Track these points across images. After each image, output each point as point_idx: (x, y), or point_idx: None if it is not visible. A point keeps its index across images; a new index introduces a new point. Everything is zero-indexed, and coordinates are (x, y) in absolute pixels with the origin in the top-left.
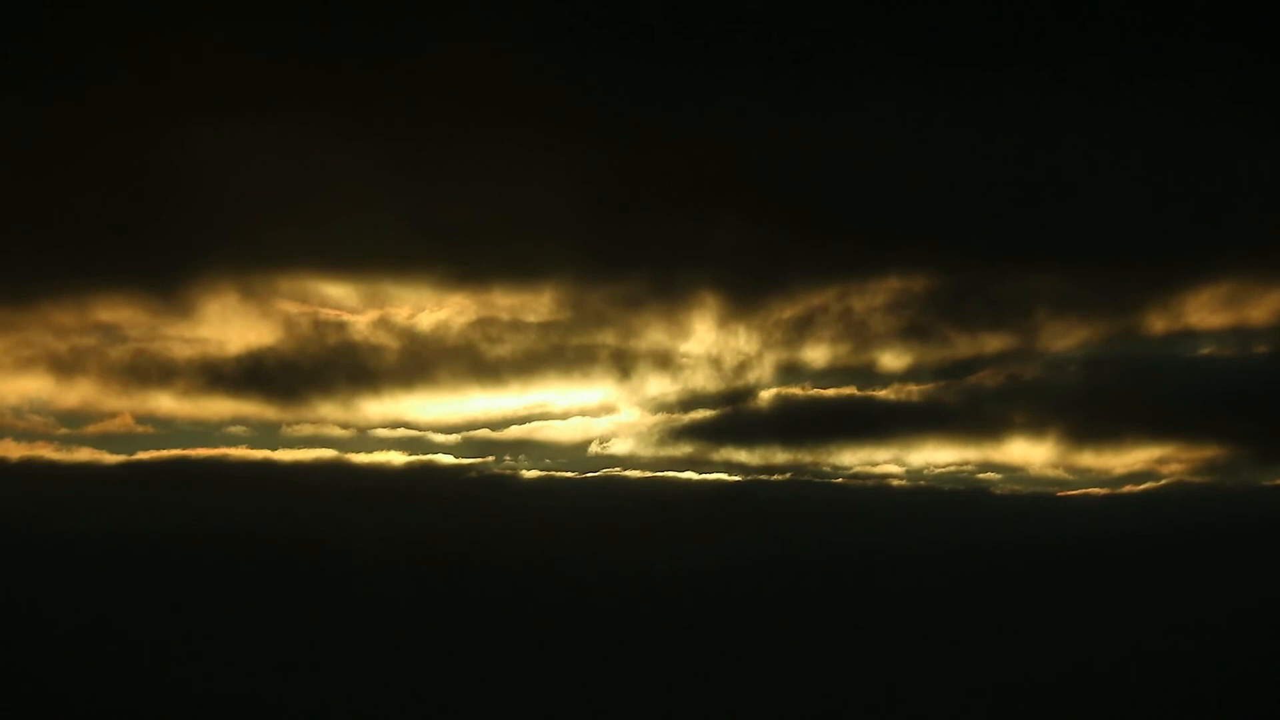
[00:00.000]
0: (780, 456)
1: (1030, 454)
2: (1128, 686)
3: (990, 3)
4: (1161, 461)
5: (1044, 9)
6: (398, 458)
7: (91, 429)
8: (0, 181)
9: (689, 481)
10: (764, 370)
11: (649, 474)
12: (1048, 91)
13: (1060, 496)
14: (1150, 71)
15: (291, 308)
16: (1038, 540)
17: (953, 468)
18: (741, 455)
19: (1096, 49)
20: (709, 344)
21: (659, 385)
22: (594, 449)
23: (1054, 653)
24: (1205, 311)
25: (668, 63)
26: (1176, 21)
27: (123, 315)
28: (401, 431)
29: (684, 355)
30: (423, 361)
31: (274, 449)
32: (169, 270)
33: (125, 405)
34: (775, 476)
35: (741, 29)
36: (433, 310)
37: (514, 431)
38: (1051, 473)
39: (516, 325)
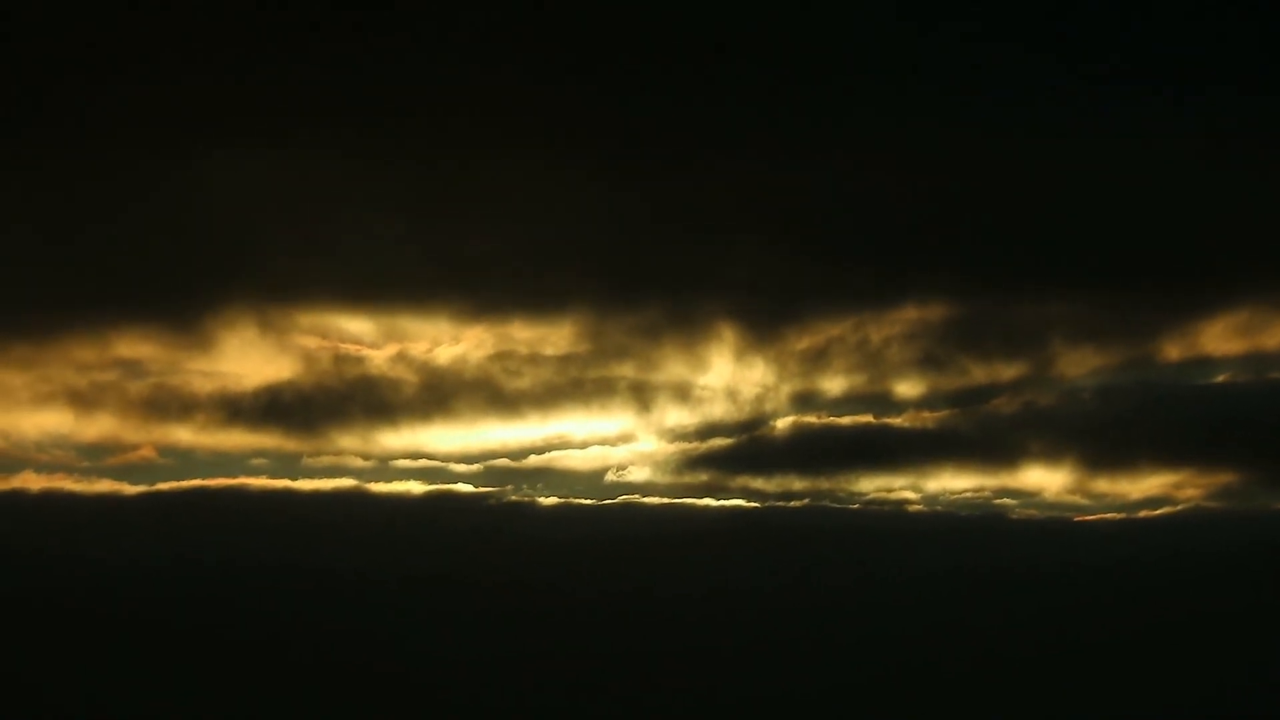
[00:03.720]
0: (797, 484)
1: (1046, 480)
2: (1144, 709)
3: (1008, 34)
4: (1177, 487)
5: (1061, 41)
6: (417, 487)
7: (112, 461)
8: (20, 218)
9: (707, 508)
10: (781, 399)
11: (667, 501)
12: (1064, 121)
13: (1077, 521)
14: (1166, 100)
15: (310, 342)
16: (1054, 564)
17: (969, 494)
18: (759, 483)
19: (1114, 79)
20: (726, 374)
21: (677, 415)
22: (610, 477)
23: (1070, 676)
24: (1220, 338)
25: (686, 93)
26: (1194, 51)
27: (142, 350)
28: (422, 462)
29: (701, 385)
30: (441, 394)
31: (294, 479)
32: (188, 305)
33: (145, 439)
34: (793, 503)
35: (759, 58)
36: (451, 344)
37: (532, 461)
38: (1068, 498)
39: (534, 358)
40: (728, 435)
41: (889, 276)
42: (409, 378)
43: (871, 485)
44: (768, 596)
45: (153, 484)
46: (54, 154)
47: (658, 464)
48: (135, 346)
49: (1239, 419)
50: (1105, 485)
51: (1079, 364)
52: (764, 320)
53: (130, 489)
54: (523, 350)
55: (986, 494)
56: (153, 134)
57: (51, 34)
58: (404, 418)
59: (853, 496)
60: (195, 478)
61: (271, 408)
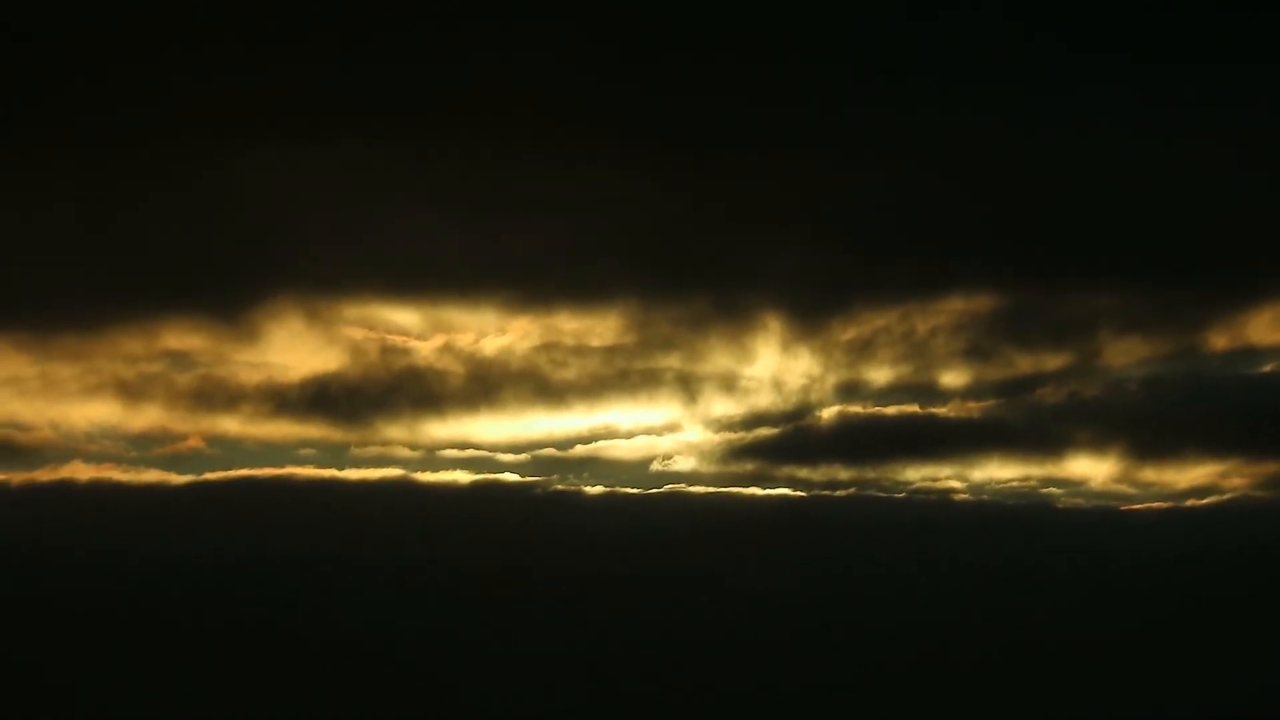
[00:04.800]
0: (843, 474)
1: (1092, 469)
2: (1192, 698)
3: (1047, 27)
4: (1224, 476)
5: (1100, 34)
6: (464, 477)
7: (159, 451)
8: (68, 211)
9: (753, 497)
10: (826, 389)
11: (713, 490)
12: (1113, 113)
13: (1123, 511)
14: (1211, 92)
15: (356, 333)
16: (1101, 554)
17: (1015, 483)
18: (804, 472)
19: (1157, 71)
20: (772, 365)
21: (722, 405)
22: (656, 467)
23: (1118, 666)
24: (1267, 328)
25: (732, 86)
26: (1234, 43)
27: (190, 342)
28: (469, 452)
29: (747, 376)
30: (488, 385)
31: (341, 469)
32: (235, 297)
33: (193, 429)
34: (838, 493)
35: (805, 51)
36: (497, 335)
37: (579, 451)
38: (1114, 488)
39: (580, 349)
40: (773, 425)
41: (935, 267)
42: (455, 369)
43: (917, 475)
44: (813, 586)
45: (200, 474)
46: (102, 147)
47: (703, 454)
48: (183, 338)
49: None
50: (1152, 474)
51: (1125, 354)
52: (810, 311)
53: (178, 479)
54: (569, 341)
55: (1032, 483)
56: (201, 127)
57: (98, 27)
58: (451, 408)
59: (898, 486)
60: (242, 468)
61: (318, 399)
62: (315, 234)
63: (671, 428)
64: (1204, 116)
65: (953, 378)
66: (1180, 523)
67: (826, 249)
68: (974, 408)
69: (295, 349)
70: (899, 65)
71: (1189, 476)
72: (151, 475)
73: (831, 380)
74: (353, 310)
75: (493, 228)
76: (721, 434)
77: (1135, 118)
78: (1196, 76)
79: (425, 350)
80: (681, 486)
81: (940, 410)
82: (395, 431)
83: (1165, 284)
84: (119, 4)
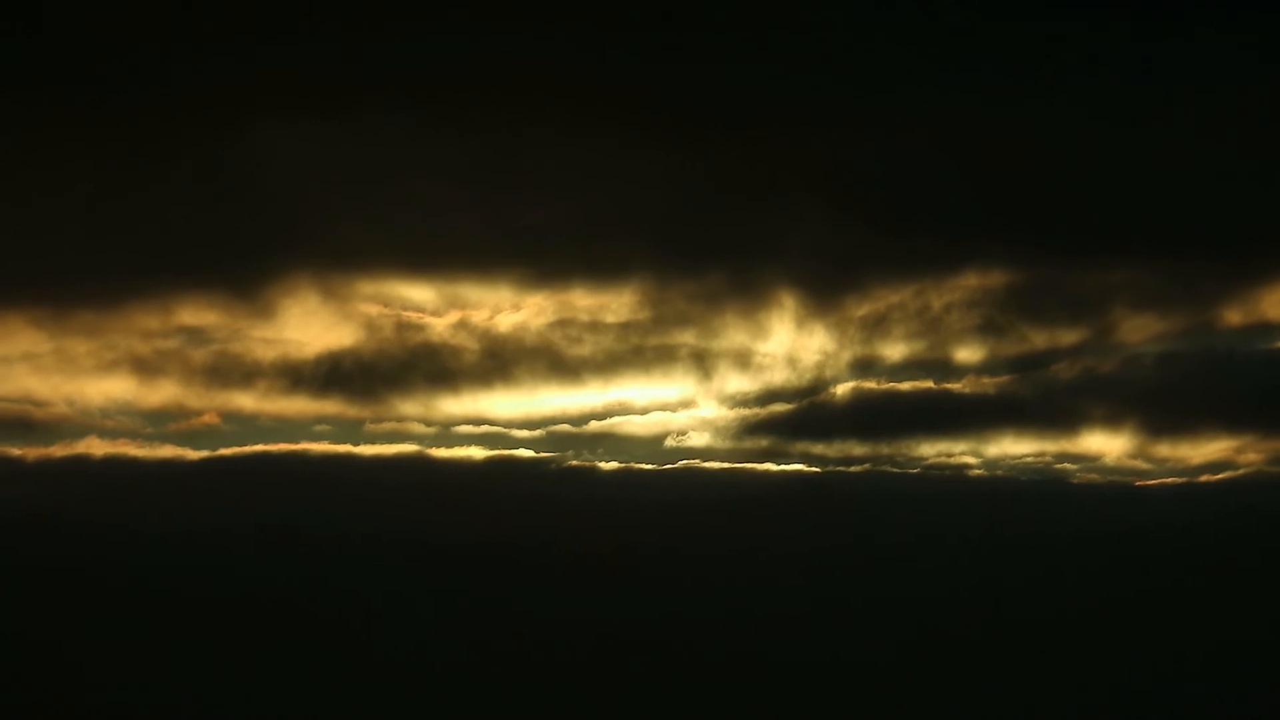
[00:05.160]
0: (858, 449)
1: (1107, 445)
2: (1206, 673)
3: (1064, 4)
4: (1238, 451)
5: (1118, 12)
6: (478, 453)
7: (175, 427)
8: (84, 187)
9: (767, 473)
10: (841, 365)
11: (727, 466)
12: (1122, 87)
13: (1138, 486)
14: (1225, 65)
15: (372, 309)
16: (1115, 528)
17: (1030, 459)
18: (819, 448)
19: (1170, 45)
20: (787, 341)
21: (737, 381)
22: (671, 442)
23: (1131, 638)
24: None
25: (744, 61)
26: (1248, 17)
27: (205, 317)
28: (483, 428)
29: (762, 352)
30: (503, 361)
31: (356, 445)
32: (250, 273)
33: (208, 405)
34: (853, 468)
35: (822, 25)
36: (512, 311)
37: (593, 427)
38: (1129, 463)
39: (595, 325)
40: (788, 401)
41: (950, 243)
42: (470, 345)
43: (932, 450)
44: (828, 560)
45: (215, 449)
46: (118, 123)
47: (718, 429)
48: (198, 314)
49: None
50: (1166, 450)
51: (1140, 330)
52: (825, 287)
53: (193, 454)
54: (584, 317)
55: (1047, 459)
56: (216, 103)
57: (121, 10)
58: (465, 384)
59: (913, 461)
60: (257, 443)
61: (333, 374)
62: (331, 211)
63: (686, 404)
64: (1221, 93)
65: (967, 353)
66: (1195, 498)
67: (841, 226)
68: (989, 383)
69: (310, 325)
70: (915, 41)
71: (1203, 452)
72: (167, 450)
73: (846, 356)
74: (368, 286)
75: (508, 205)
76: (736, 410)
77: (1151, 94)
78: (1215, 54)
79: (440, 326)
80: (696, 462)
81: (955, 386)
82: (410, 407)
83: (1180, 260)
84: None
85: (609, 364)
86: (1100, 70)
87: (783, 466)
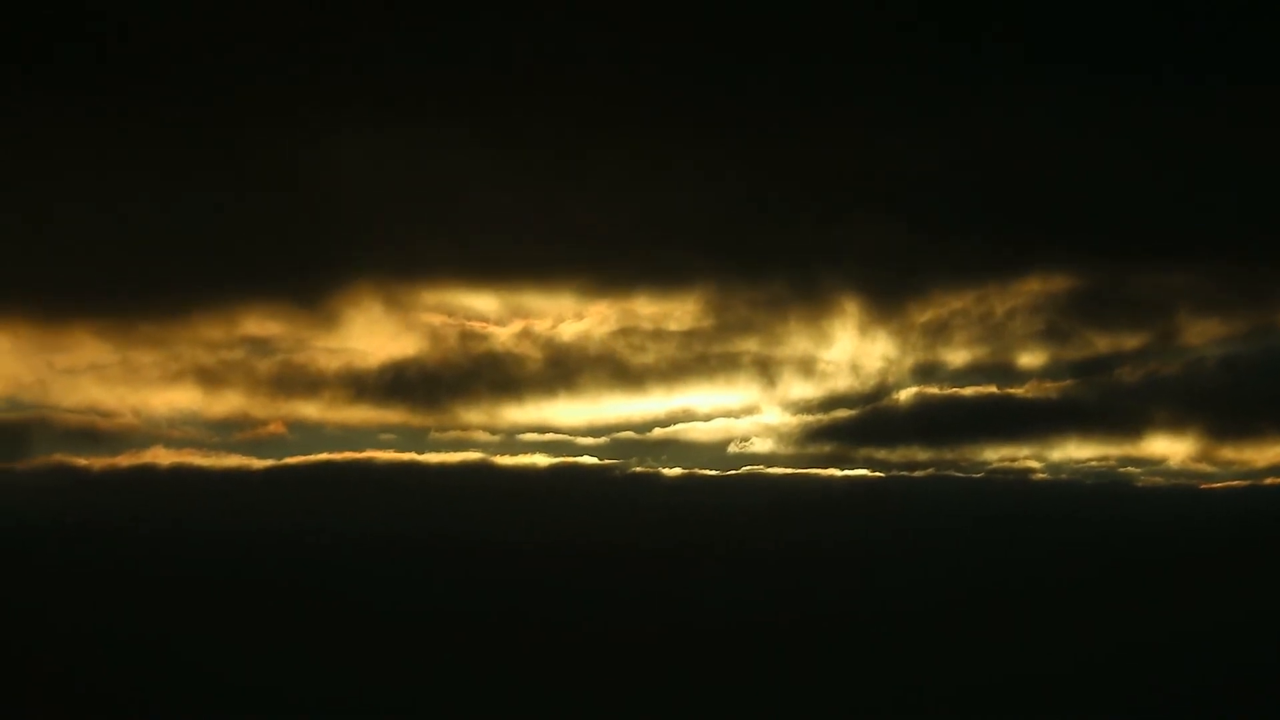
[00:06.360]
0: (921, 454)
1: (1171, 448)
2: (1272, 673)
3: (1129, 7)
4: None
5: (1183, 15)
6: (542, 460)
7: (240, 436)
8: (149, 199)
9: (831, 478)
10: (904, 371)
11: (791, 471)
12: (1189, 93)
13: (1202, 489)
14: None
15: (435, 318)
16: (1180, 531)
17: (1093, 462)
18: (882, 453)
19: (1232, 53)
20: (849, 347)
21: (800, 388)
22: (734, 449)
23: (1199, 642)
24: None
25: (805, 67)
26: None
27: (270, 328)
28: (548, 436)
29: (824, 358)
30: (566, 369)
31: (420, 453)
32: (314, 283)
33: (273, 414)
34: (917, 473)
35: (881, 32)
36: (575, 320)
37: (657, 434)
38: (1193, 466)
39: (658, 333)
40: (851, 407)
41: (1012, 248)
42: (533, 353)
43: (995, 455)
44: (891, 565)
45: (280, 459)
46: (184, 136)
47: (781, 436)
48: (263, 324)
49: None
50: (1230, 453)
51: (1202, 332)
52: (887, 293)
53: (258, 463)
54: (646, 325)
55: (1111, 462)
56: (281, 115)
57: (185, 19)
58: (529, 392)
59: (976, 466)
60: (322, 452)
61: (397, 383)
62: (394, 220)
63: (749, 410)
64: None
65: (1030, 358)
66: (1260, 499)
67: (904, 232)
68: (1052, 388)
69: (374, 334)
70: (975, 45)
71: (1267, 454)
72: (232, 460)
73: (909, 362)
74: (431, 296)
75: (570, 214)
76: (799, 416)
77: (1213, 96)
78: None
79: (503, 335)
80: (759, 468)
81: (1018, 390)
82: (474, 416)
83: (1242, 262)
84: None
85: (672, 371)
86: (1164, 72)
87: (846, 472)
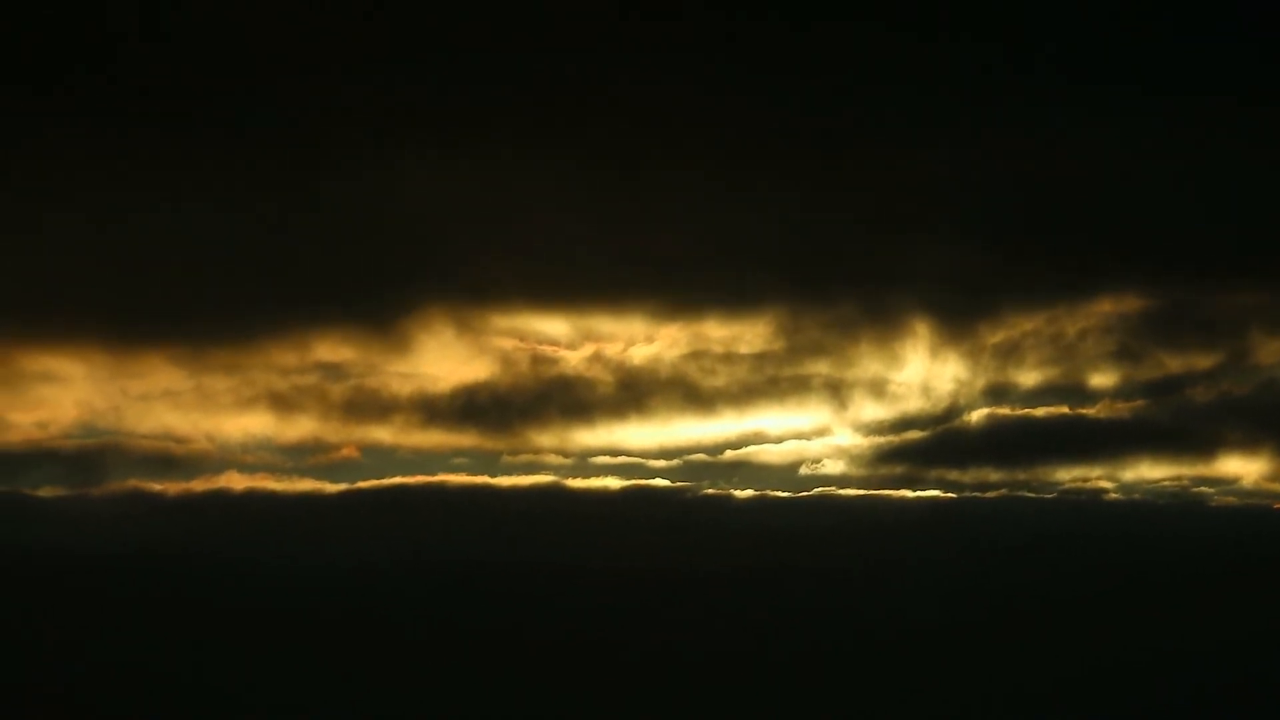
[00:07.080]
0: (993, 475)
1: (1244, 468)
2: None
3: (1197, 31)
4: None
5: (1251, 37)
6: (614, 483)
7: (313, 461)
8: (222, 226)
9: (903, 500)
10: (975, 392)
11: (862, 492)
12: (1259, 113)
13: (1277, 509)
14: None
15: (506, 343)
16: (1255, 550)
17: (1166, 482)
18: (954, 474)
19: None
20: (920, 368)
21: (872, 409)
22: (805, 470)
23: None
24: None
25: (876, 90)
26: None
27: (342, 353)
28: (620, 459)
29: (896, 380)
30: (637, 392)
31: (493, 476)
32: (386, 308)
33: (346, 439)
34: (989, 494)
35: (952, 55)
36: (645, 343)
37: (728, 456)
38: (1267, 485)
39: (729, 356)
40: (922, 428)
41: (1082, 269)
42: (604, 377)
43: (1068, 475)
44: (964, 585)
45: (354, 483)
46: (254, 163)
47: (853, 457)
48: (335, 350)
49: None
50: None
51: (1275, 352)
52: (957, 314)
53: (332, 488)
54: (717, 349)
55: (1184, 482)
56: (351, 141)
57: (252, 42)
58: (600, 416)
59: (1048, 487)
60: (395, 476)
61: (469, 408)
62: (465, 245)
63: (820, 432)
64: None
65: (1102, 378)
66: None
67: (973, 252)
68: (1124, 408)
69: (446, 359)
70: (1042, 64)
71: None
72: (306, 484)
73: (980, 383)
74: (502, 320)
75: (640, 237)
76: (870, 437)
77: None
78: None
79: (574, 359)
80: (831, 490)
81: (1090, 411)
82: (546, 439)
83: None
84: (273, 21)
85: (743, 394)
86: (1236, 95)
87: (918, 493)
